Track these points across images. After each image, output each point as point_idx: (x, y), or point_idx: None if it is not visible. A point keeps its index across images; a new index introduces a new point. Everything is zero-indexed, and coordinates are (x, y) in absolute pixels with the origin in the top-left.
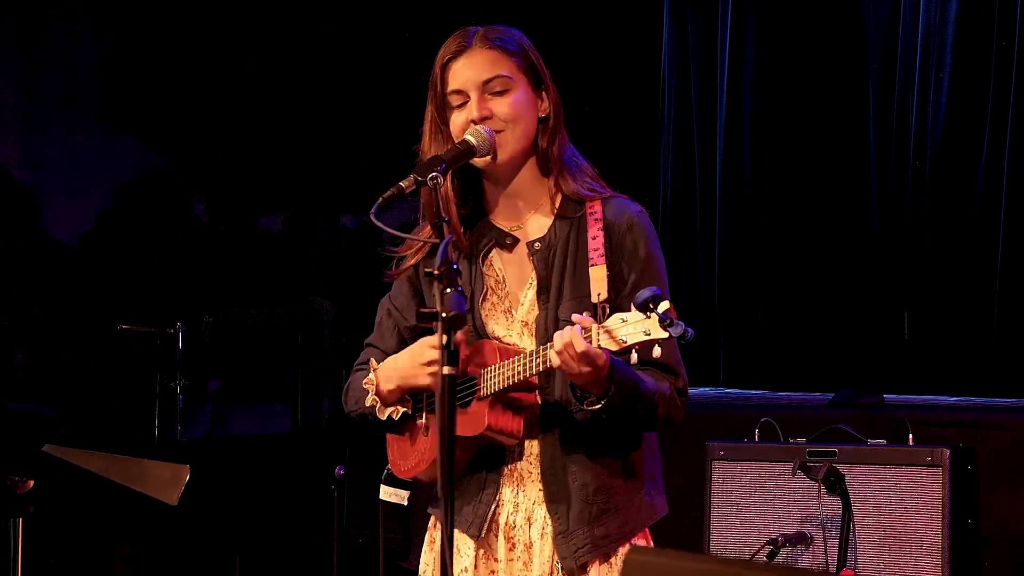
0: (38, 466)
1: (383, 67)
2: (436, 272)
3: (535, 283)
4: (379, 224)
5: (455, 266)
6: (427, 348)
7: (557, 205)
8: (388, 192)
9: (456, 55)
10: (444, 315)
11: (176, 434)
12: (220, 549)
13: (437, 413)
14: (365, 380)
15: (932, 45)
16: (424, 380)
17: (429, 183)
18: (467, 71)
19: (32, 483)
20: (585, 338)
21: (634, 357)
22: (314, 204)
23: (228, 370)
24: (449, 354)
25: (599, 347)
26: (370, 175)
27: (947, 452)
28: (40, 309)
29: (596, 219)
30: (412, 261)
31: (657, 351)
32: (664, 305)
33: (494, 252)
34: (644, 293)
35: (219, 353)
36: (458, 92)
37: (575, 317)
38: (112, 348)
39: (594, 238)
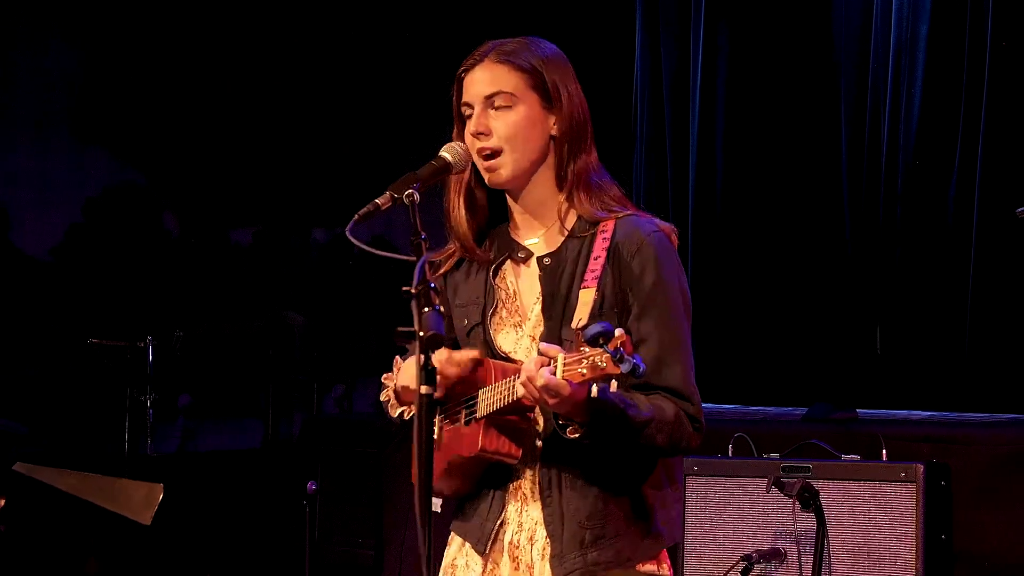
0: (9, 484)
1: (354, 81)
2: (413, 291)
3: (541, 299)
4: (355, 241)
5: (432, 285)
6: (445, 362)
7: (570, 224)
8: (364, 209)
9: (470, 67)
10: (422, 334)
11: (146, 449)
12: (191, 565)
13: (414, 433)
14: (385, 375)
15: (903, 61)
16: (410, 393)
17: (405, 200)
18: (474, 85)
19: (3, 502)
20: (551, 369)
21: (594, 391)
22: (285, 218)
23: (199, 384)
24: (426, 373)
25: (564, 378)
26: (342, 188)
27: (921, 468)
28: (9, 323)
29: (604, 238)
30: (446, 267)
31: (614, 385)
32: (616, 340)
33: (507, 265)
34: (594, 328)
35: (190, 367)
36: (467, 104)
37: (542, 347)
38: (82, 362)
39: (596, 258)
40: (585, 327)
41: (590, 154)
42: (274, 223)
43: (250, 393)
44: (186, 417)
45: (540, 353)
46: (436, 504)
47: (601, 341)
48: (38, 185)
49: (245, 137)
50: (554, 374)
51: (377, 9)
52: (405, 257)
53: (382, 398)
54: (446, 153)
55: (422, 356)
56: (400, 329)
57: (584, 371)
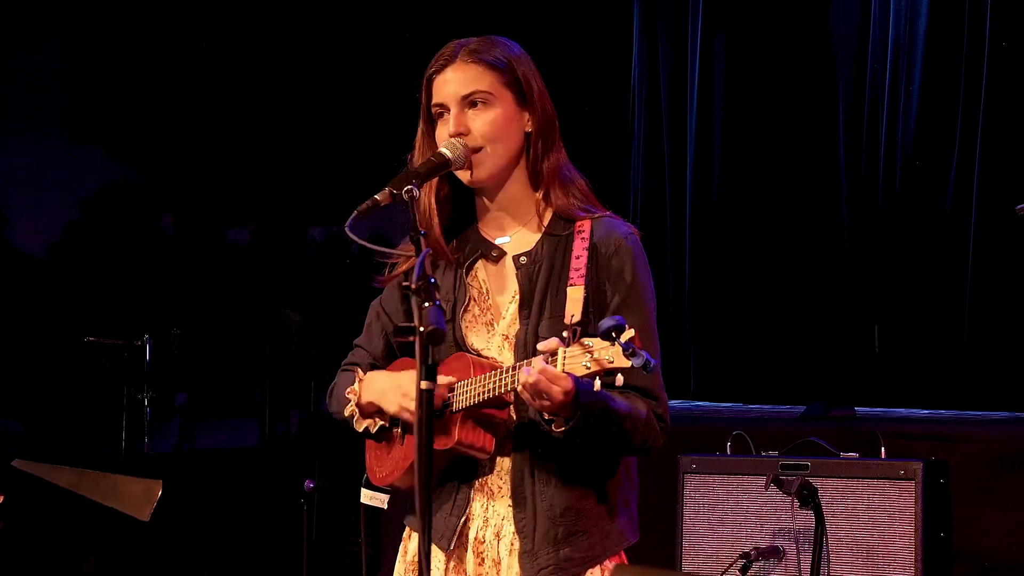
0: (8, 481)
1: (350, 80)
2: (413, 287)
3: (518, 297)
4: (354, 237)
5: (432, 280)
6: (411, 383)
7: (546, 221)
8: (363, 205)
9: (441, 68)
10: (422, 329)
11: (143, 447)
12: (188, 564)
13: (415, 429)
14: (349, 389)
15: (901, 59)
16: (391, 407)
17: (404, 196)
18: (448, 85)
19: (2, 498)
20: (551, 362)
21: (597, 384)
22: (282, 216)
23: (196, 382)
24: (427, 368)
25: (564, 371)
26: (339, 187)
27: (920, 466)
28: (7, 321)
29: (583, 238)
30: (404, 267)
31: (620, 379)
32: (627, 334)
33: (479, 263)
34: (607, 322)
35: (187, 366)
36: (441, 105)
37: (541, 345)
38: (79, 361)
39: (578, 257)
40: (581, 322)
41: (560, 150)
42: (271, 221)
43: (247, 391)
44: (183, 415)
45: (540, 351)
46: (382, 500)
47: (613, 335)
48: (35, 183)
49: (242, 136)
50: (553, 365)
51: (376, 9)
52: (404, 253)
53: (346, 412)
54: (445, 149)
55: (422, 350)
56: (400, 324)
57: (588, 365)
